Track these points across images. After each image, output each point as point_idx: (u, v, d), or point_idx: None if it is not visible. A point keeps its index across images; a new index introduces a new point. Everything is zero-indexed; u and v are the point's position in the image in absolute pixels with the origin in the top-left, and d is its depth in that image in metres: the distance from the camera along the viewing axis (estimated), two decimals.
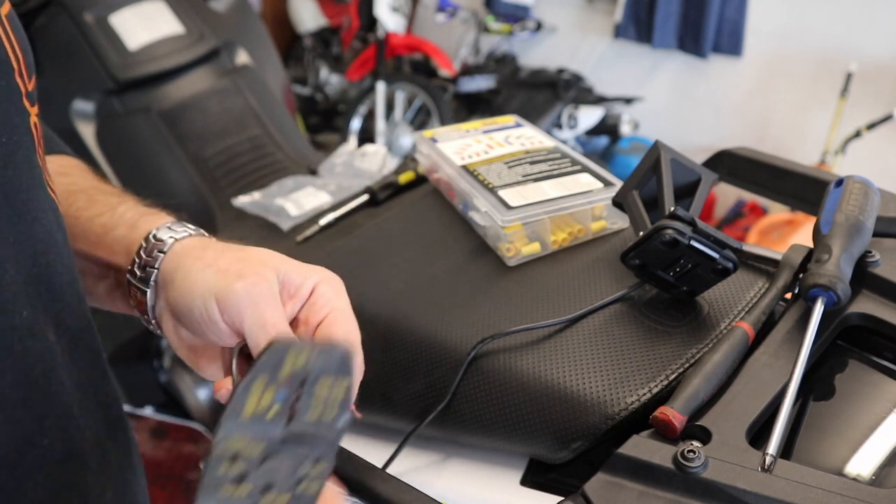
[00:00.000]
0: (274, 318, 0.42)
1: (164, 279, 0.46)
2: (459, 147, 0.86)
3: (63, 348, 0.42)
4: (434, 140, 0.88)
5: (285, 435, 0.32)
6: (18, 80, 0.41)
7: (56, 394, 0.41)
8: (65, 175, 0.53)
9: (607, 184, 0.77)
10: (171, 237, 0.46)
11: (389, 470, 0.60)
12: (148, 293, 0.46)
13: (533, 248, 0.73)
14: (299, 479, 0.33)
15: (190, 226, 0.48)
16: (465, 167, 0.81)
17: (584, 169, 0.81)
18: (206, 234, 0.49)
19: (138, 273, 0.46)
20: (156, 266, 0.46)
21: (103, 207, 0.50)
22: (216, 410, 1.40)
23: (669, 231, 0.57)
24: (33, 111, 0.43)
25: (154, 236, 0.47)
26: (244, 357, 0.42)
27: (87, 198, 0.51)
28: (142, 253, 0.46)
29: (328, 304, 0.44)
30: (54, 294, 0.42)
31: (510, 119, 0.95)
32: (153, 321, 0.48)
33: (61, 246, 0.43)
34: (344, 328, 0.43)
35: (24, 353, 0.39)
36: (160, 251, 0.46)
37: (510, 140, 0.88)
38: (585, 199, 0.75)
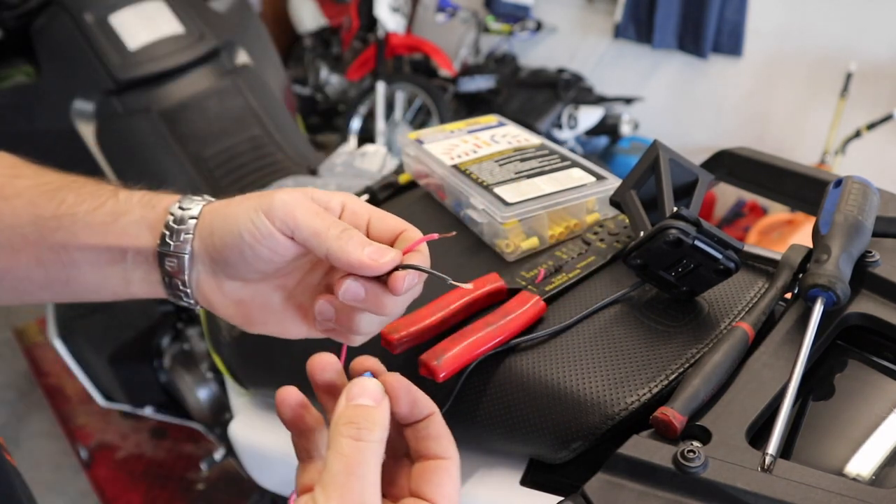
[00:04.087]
0: (322, 211, 0.46)
1: (202, 237, 0.48)
2: (447, 147, 0.86)
3: None
4: (420, 142, 0.88)
5: None
6: None
7: None
8: (22, 177, 0.52)
9: (599, 177, 0.78)
10: (198, 204, 0.49)
11: None
12: (185, 259, 0.49)
13: (532, 243, 0.74)
14: None
15: (205, 195, 0.52)
16: (456, 167, 0.81)
17: (574, 164, 0.81)
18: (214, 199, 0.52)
19: (172, 243, 0.49)
20: (192, 231, 0.48)
21: (98, 198, 0.51)
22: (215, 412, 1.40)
23: (674, 231, 0.57)
24: None
25: (180, 206, 0.49)
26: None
27: (74, 194, 0.51)
28: (172, 224, 0.49)
29: (366, 211, 0.49)
30: None
31: (492, 118, 0.95)
32: (188, 290, 0.50)
33: None
34: (396, 220, 0.48)
35: None
36: (192, 217, 0.49)
37: (496, 139, 0.88)
38: (580, 193, 0.76)
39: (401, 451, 0.44)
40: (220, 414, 1.39)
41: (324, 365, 0.45)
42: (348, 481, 0.36)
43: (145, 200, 0.51)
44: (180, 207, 0.49)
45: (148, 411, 1.57)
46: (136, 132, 1.29)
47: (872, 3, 2.75)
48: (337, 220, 0.47)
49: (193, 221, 0.48)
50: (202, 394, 1.40)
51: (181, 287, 0.50)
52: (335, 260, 0.45)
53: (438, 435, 0.43)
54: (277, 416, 0.45)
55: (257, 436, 1.01)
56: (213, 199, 0.51)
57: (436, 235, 0.47)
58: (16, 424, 2.04)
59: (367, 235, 0.48)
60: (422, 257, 0.47)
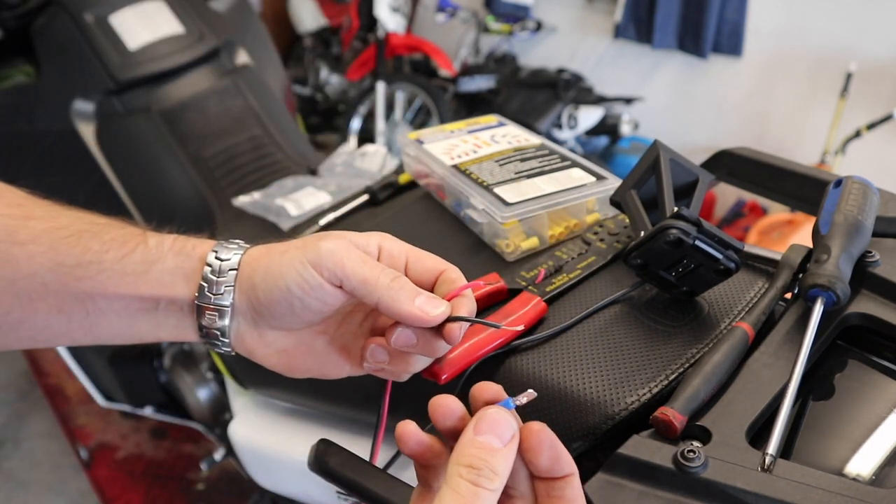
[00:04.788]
0: (368, 258, 0.46)
1: (243, 290, 0.47)
2: (447, 147, 0.86)
3: None
4: (420, 142, 0.88)
5: None
6: None
7: None
8: (34, 218, 0.47)
9: (599, 177, 0.78)
10: (236, 254, 0.48)
11: (390, 470, 0.60)
12: (226, 311, 0.47)
13: (532, 243, 0.74)
14: None
15: (239, 241, 0.50)
16: (456, 167, 0.81)
17: (574, 164, 0.81)
18: (249, 245, 0.50)
19: (211, 296, 0.47)
20: (232, 284, 0.47)
21: (125, 245, 0.48)
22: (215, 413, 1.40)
23: (674, 231, 0.57)
24: None
25: (217, 256, 0.48)
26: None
27: (98, 240, 0.48)
28: (210, 275, 0.47)
29: (403, 251, 0.49)
30: None
31: (492, 118, 0.95)
32: (226, 339, 0.49)
33: None
34: (434, 260, 0.49)
35: None
36: (231, 269, 0.47)
37: (496, 139, 0.88)
38: (580, 193, 0.76)
39: (518, 490, 0.42)
40: (220, 414, 1.39)
41: (445, 411, 0.42)
42: None
43: (178, 247, 0.49)
44: (217, 257, 0.48)
45: (148, 411, 1.57)
46: (136, 132, 1.29)
47: (872, 3, 2.75)
48: (385, 268, 0.46)
49: (233, 273, 0.47)
50: (202, 394, 1.40)
51: (219, 337, 0.49)
52: (385, 310, 0.45)
53: (574, 499, 0.40)
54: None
55: (257, 436, 1.02)
56: (247, 246, 0.49)
57: (481, 283, 0.47)
58: (16, 424, 2.04)
59: (406, 276, 0.47)
60: (468, 302, 0.47)
